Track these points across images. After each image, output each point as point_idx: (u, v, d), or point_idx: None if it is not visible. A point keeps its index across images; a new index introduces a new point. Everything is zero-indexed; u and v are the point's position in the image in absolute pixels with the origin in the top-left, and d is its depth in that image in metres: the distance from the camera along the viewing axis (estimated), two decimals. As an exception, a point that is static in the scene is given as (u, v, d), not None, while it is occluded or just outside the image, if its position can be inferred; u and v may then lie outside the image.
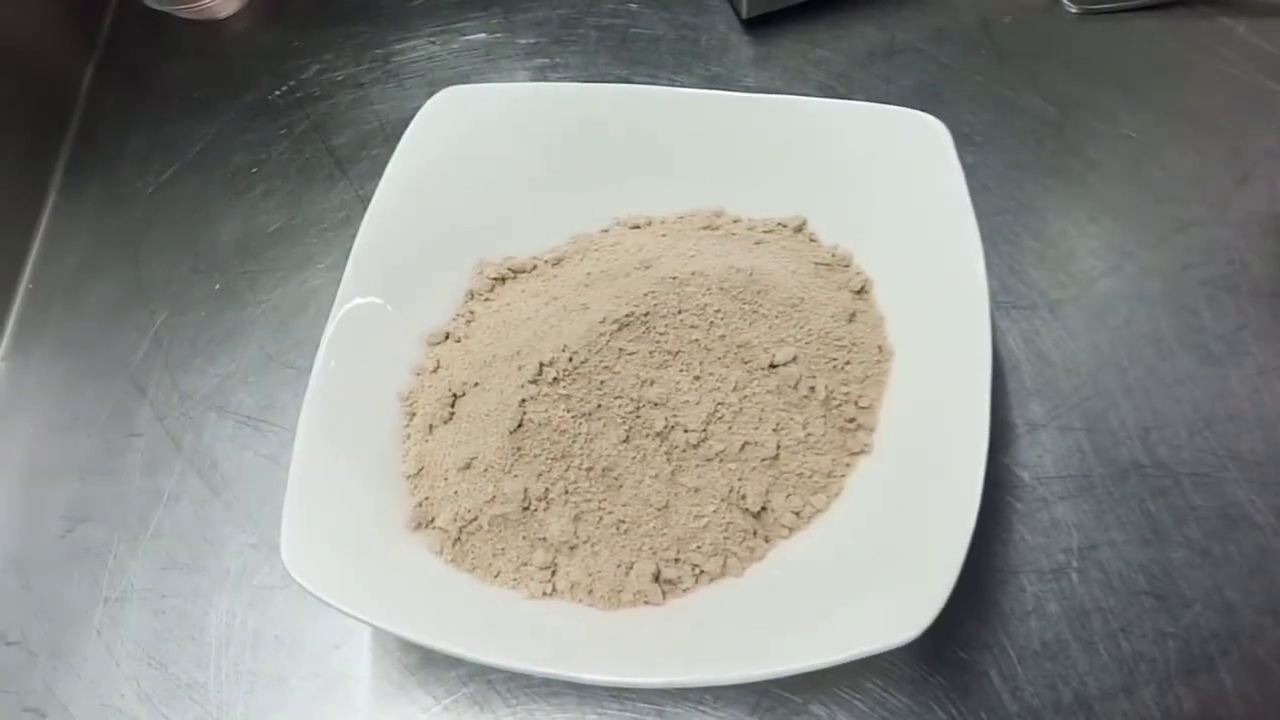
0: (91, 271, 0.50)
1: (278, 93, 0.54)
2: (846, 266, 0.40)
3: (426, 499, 0.37)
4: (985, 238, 0.44)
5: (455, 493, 0.36)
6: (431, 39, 0.55)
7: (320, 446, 0.36)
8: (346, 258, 0.48)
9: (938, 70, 0.50)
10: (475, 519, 0.35)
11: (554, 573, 0.35)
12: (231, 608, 0.40)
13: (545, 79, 0.52)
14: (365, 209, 0.49)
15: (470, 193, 0.42)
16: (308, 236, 0.49)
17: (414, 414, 0.39)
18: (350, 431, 0.37)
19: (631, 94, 0.43)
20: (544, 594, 0.35)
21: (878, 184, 0.39)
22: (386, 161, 0.51)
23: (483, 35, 0.54)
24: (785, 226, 0.42)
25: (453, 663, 0.38)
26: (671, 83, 0.51)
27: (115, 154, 0.54)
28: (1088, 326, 0.42)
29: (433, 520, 0.36)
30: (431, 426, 0.38)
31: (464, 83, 0.52)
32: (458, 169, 0.42)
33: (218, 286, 0.48)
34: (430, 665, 0.38)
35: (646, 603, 0.34)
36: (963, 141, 0.47)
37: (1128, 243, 0.44)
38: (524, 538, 0.35)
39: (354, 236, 0.48)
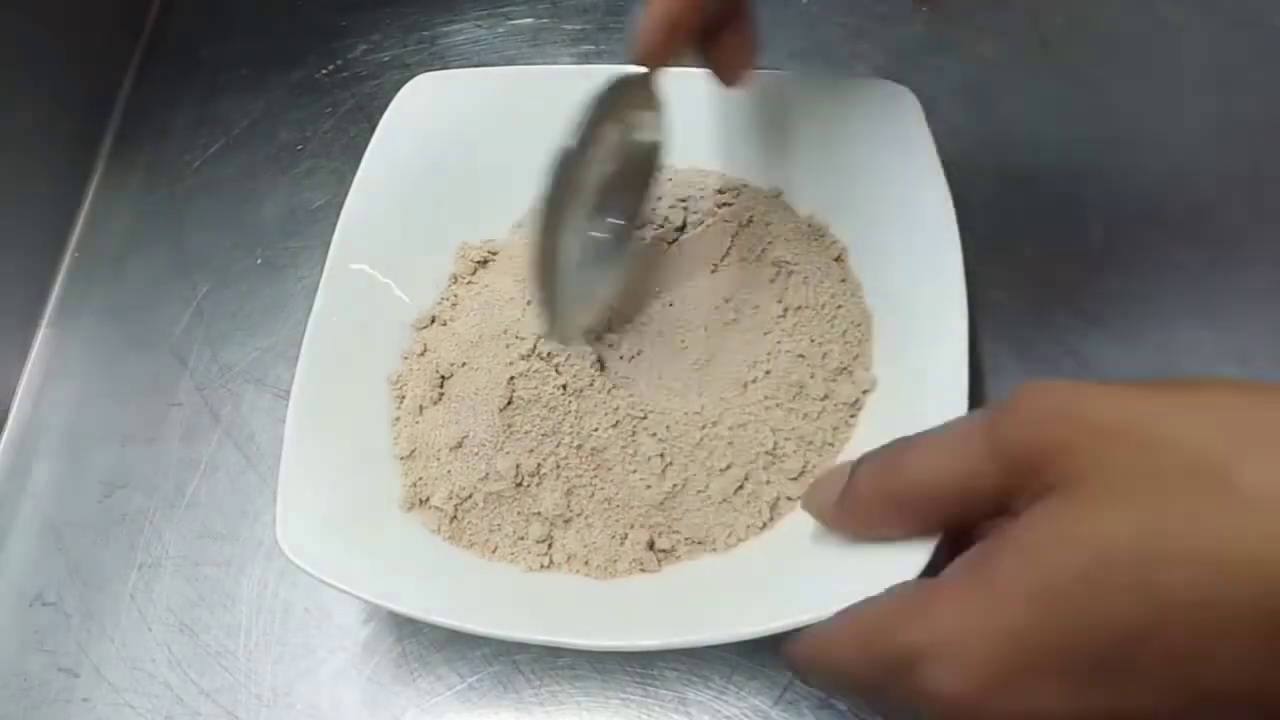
0: (136, 243, 0.51)
1: (324, 71, 0.54)
2: (823, 235, 0.41)
3: (420, 479, 0.37)
4: (1028, 239, 0.44)
5: (448, 472, 0.37)
6: (478, 23, 0.55)
7: (311, 431, 0.36)
8: (387, 237, 0.48)
9: (986, 68, 0.49)
10: (470, 496, 0.36)
11: (550, 545, 0.36)
12: (263, 578, 0.41)
13: (590, 66, 0.52)
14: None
15: (448, 178, 0.43)
16: (349, 215, 0.49)
17: (403, 397, 0.39)
18: (340, 416, 0.38)
19: (602, 74, 0.43)
20: (541, 567, 0.35)
21: (850, 153, 0.40)
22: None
23: (529, 20, 0.54)
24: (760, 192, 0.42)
25: (478, 642, 0.38)
26: (716, 73, 0.51)
27: (162, 128, 0.54)
28: (1129, 332, 0.41)
29: (427, 499, 0.37)
30: (421, 408, 0.38)
31: (508, 67, 0.53)
32: (434, 155, 0.42)
33: (259, 261, 0.49)
34: (456, 643, 0.38)
35: (643, 570, 0.35)
36: (1009, 142, 0.47)
37: (1178, 250, 0.43)
38: (519, 512, 0.36)
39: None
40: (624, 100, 0.33)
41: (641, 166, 0.37)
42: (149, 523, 0.43)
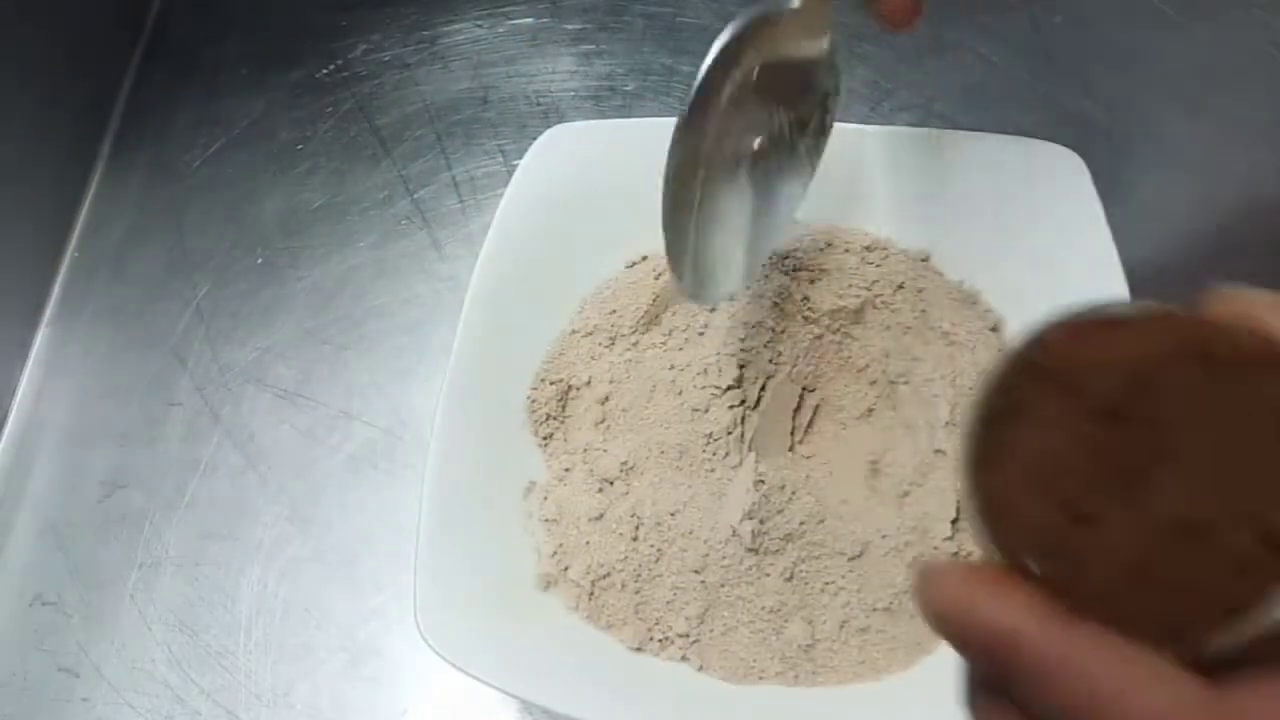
0: (136, 243, 0.51)
1: (324, 71, 0.54)
2: (975, 303, 0.38)
3: (560, 546, 0.36)
4: (1027, 239, 0.44)
5: (587, 543, 0.35)
6: (478, 22, 0.55)
7: (447, 509, 0.35)
8: (386, 237, 0.49)
9: (985, 68, 0.49)
10: (608, 575, 0.35)
11: (693, 641, 0.35)
12: (263, 578, 0.41)
13: (590, 66, 0.52)
14: (407, 189, 0.50)
15: (582, 234, 0.41)
16: (350, 215, 0.50)
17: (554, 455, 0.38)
18: (477, 490, 0.36)
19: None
20: (682, 658, 0.34)
21: (1008, 218, 0.38)
22: (429, 143, 0.51)
23: (529, 20, 0.54)
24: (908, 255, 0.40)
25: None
26: (716, 73, 0.51)
27: (163, 128, 0.54)
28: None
29: (566, 569, 0.36)
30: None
31: (509, 67, 0.53)
32: (568, 210, 0.41)
33: (259, 261, 0.49)
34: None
35: (787, 678, 0.34)
36: (1008, 141, 0.47)
37: (1174, 250, 0.43)
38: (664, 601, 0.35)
39: (395, 216, 0.49)
40: (768, 35, 0.31)
41: (805, 87, 0.33)
42: (149, 523, 0.43)
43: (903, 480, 0.36)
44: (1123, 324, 0.19)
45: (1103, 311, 0.20)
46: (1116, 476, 0.18)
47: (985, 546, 0.19)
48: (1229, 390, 0.18)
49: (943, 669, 0.32)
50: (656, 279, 0.40)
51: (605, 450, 0.37)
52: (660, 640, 0.34)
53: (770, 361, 0.37)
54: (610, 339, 0.39)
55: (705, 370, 0.37)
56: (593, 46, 0.53)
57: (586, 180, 0.41)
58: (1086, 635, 0.16)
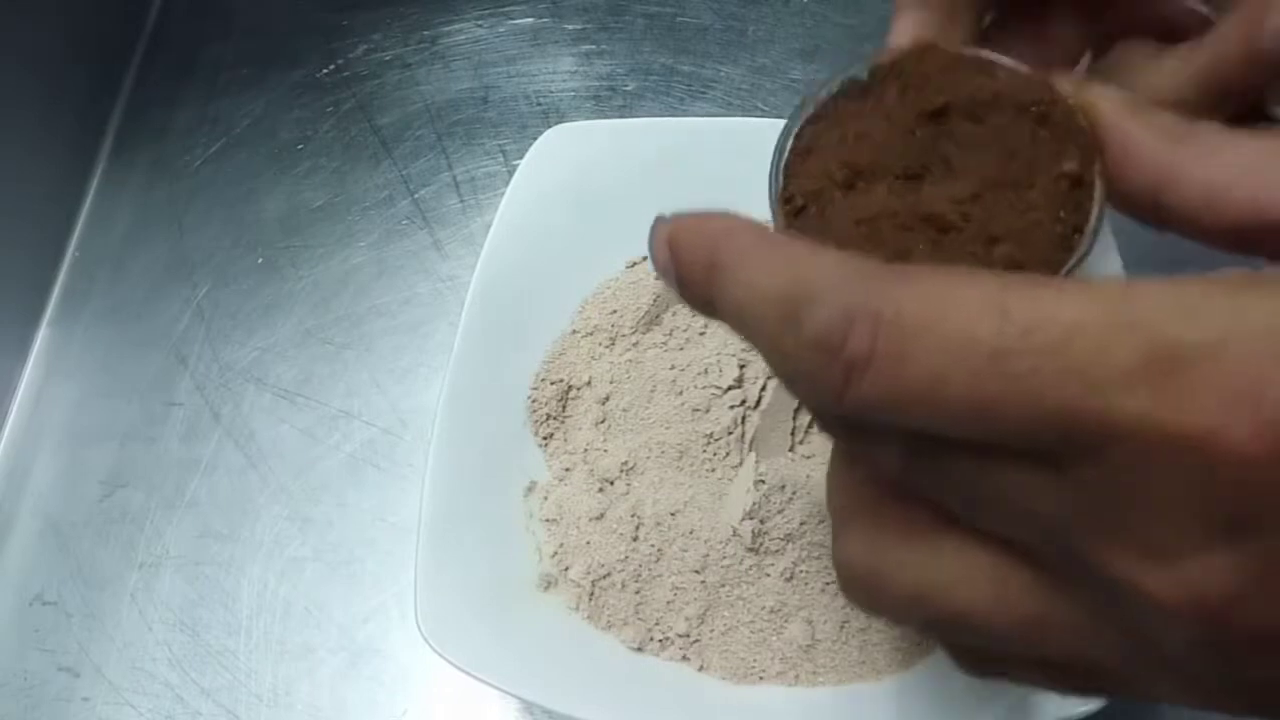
0: (137, 242, 0.51)
1: (325, 71, 0.54)
2: None
3: (561, 546, 0.36)
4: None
5: (588, 543, 0.35)
6: (479, 22, 0.55)
7: (448, 509, 0.35)
8: (387, 237, 0.49)
9: (986, 68, 0.49)
10: (608, 575, 0.35)
11: (693, 641, 0.34)
12: (264, 577, 0.41)
13: (590, 65, 0.52)
14: (408, 189, 0.50)
15: (583, 235, 0.40)
16: (350, 214, 0.50)
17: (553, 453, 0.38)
18: (476, 493, 0.36)
19: (742, 127, 0.42)
20: (684, 658, 0.34)
21: None
22: (430, 142, 0.51)
23: (529, 20, 0.54)
24: None
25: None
26: (716, 73, 0.51)
27: (163, 127, 0.54)
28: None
29: (566, 569, 0.36)
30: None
31: (509, 66, 0.53)
32: (569, 211, 0.40)
33: (260, 260, 0.49)
34: (456, 643, 0.38)
35: (788, 680, 0.34)
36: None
37: (1172, 244, 0.43)
38: (665, 601, 0.35)
39: (396, 216, 0.49)
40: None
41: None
42: (149, 522, 0.43)
43: None
44: (987, 66, 0.22)
45: (974, 54, 0.22)
46: (901, 165, 0.21)
47: (776, 181, 0.23)
48: (1029, 142, 0.21)
49: (943, 669, 0.33)
50: (656, 279, 0.40)
51: (605, 450, 0.37)
52: (660, 640, 0.34)
53: None
54: (611, 339, 0.39)
55: (705, 370, 0.37)
56: (593, 46, 0.53)
57: (586, 180, 0.41)
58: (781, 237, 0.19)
